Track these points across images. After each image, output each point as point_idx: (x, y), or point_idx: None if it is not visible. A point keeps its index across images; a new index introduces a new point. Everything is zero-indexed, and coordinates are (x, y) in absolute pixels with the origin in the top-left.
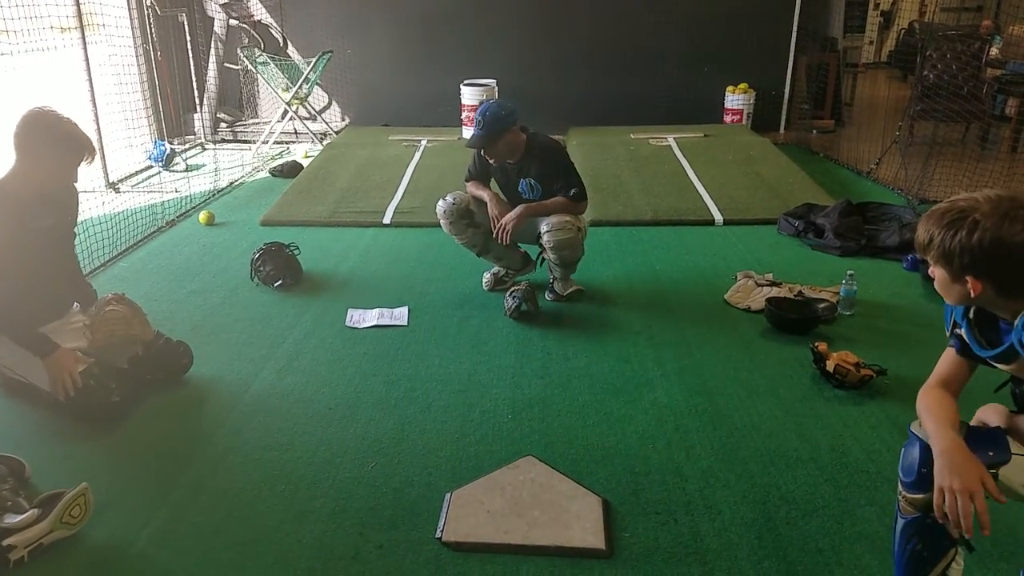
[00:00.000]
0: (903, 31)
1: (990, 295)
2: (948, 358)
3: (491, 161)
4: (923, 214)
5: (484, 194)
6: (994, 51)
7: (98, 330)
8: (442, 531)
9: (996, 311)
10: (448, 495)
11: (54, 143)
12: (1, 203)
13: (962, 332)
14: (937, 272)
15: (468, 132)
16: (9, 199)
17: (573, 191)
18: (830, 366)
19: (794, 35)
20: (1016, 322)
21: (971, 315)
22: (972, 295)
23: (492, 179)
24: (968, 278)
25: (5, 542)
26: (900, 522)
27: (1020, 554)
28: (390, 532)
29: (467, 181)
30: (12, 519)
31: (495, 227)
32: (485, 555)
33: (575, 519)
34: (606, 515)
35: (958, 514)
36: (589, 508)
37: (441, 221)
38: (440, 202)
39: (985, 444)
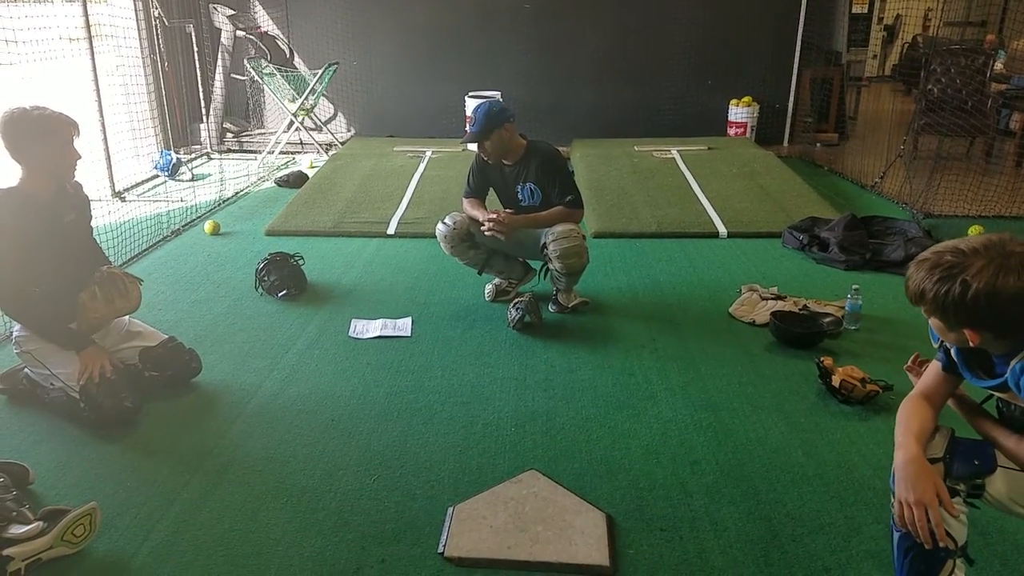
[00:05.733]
0: (907, 45)
1: (988, 339)
2: (933, 372)
3: (487, 159)
4: (912, 260)
5: (478, 214)
6: (998, 66)
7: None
8: (444, 546)
9: (991, 349)
10: (450, 509)
11: (35, 134)
12: (24, 204)
13: (951, 349)
14: (933, 321)
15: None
16: (30, 200)
17: (569, 198)
18: (836, 381)
19: (798, 49)
20: (1014, 364)
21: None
22: (971, 344)
23: (492, 189)
24: (965, 330)
25: (5, 552)
26: (896, 535)
27: None
28: (392, 546)
29: (465, 198)
30: (17, 530)
31: (486, 225)
32: (487, 571)
33: (579, 535)
34: (610, 531)
35: (916, 525)
36: (593, 524)
37: (442, 245)
38: (440, 226)
39: (971, 454)
